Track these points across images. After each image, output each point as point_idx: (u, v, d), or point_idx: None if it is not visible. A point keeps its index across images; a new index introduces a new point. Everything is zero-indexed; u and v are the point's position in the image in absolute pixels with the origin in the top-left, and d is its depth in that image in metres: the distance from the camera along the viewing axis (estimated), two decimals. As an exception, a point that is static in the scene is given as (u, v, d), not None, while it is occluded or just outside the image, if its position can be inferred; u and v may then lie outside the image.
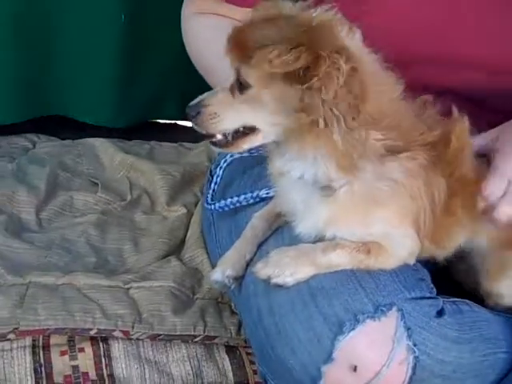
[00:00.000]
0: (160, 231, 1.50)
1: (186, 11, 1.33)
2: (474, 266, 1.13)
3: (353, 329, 0.94)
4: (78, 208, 1.56)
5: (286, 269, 0.98)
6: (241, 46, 0.92)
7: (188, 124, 2.26)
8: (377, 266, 0.99)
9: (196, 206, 1.59)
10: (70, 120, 1.95)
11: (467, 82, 1.20)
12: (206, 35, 1.30)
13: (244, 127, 0.96)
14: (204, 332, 1.27)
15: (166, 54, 1.92)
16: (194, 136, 1.99)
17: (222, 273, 1.10)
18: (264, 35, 0.90)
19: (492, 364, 1.05)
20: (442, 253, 1.06)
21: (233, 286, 1.11)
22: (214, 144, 1.01)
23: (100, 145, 1.78)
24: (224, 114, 0.95)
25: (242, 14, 1.21)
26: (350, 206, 0.98)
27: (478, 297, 1.14)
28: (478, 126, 1.06)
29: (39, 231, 1.48)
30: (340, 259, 0.98)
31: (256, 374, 1.24)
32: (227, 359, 1.26)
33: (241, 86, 0.94)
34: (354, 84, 0.89)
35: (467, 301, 1.09)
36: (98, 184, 1.64)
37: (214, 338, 1.27)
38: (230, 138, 0.97)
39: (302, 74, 0.88)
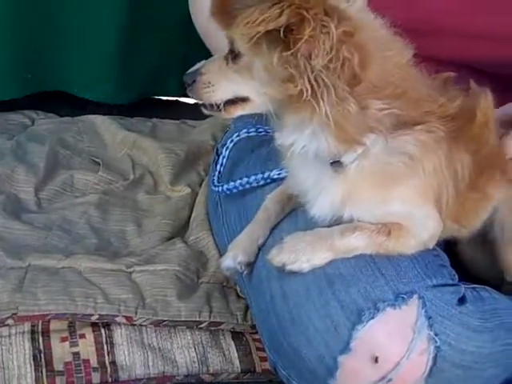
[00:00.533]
0: (163, 212, 1.45)
1: None
2: (493, 240, 1.08)
3: (372, 317, 0.89)
4: (79, 188, 1.50)
5: (302, 255, 0.92)
6: (224, 9, 0.86)
7: (190, 101, 2.23)
8: (397, 249, 0.94)
9: (200, 185, 1.54)
10: (70, 96, 1.90)
11: (479, 53, 1.14)
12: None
13: (236, 97, 0.91)
14: (210, 318, 1.22)
15: (167, 30, 1.88)
16: (196, 113, 1.96)
17: (233, 258, 1.05)
18: None
19: (511, 354, 1.00)
20: (465, 232, 1.01)
21: (245, 272, 1.06)
22: (205, 107, 0.95)
23: (101, 122, 1.73)
24: (218, 84, 0.90)
25: None
26: (365, 184, 0.92)
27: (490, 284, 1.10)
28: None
29: (39, 211, 1.43)
30: (359, 242, 0.92)
31: (263, 361, 1.19)
32: (233, 346, 1.21)
33: (234, 55, 0.89)
34: (348, 50, 0.82)
35: (487, 287, 1.03)
36: (99, 163, 1.58)
37: (220, 323, 1.22)
38: (221, 106, 0.92)
39: (285, 36, 0.81)
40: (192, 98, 0.93)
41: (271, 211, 1.05)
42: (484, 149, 0.95)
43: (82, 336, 1.17)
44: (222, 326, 1.23)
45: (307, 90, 0.84)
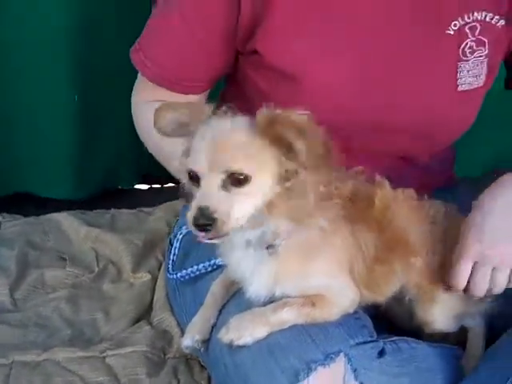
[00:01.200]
0: (128, 298, 1.63)
1: (136, 101, 1.47)
2: (410, 301, 1.29)
3: (307, 376, 1.08)
4: (50, 284, 1.66)
5: (245, 331, 1.12)
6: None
7: (144, 187, 2.40)
8: (323, 317, 1.14)
9: (159, 270, 1.72)
10: (32, 196, 2.07)
11: (396, 144, 1.37)
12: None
13: None
14: (178, 390, 1.39)
15: (117, 127, 2.06)
16: (150, 199, 2.15)
17: (191, 339, 1.23)
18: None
19: (431, 391, 1.20)
20: (380, 298, 1.22)
21: (202, 349, 1.24)
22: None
23: (64, 219, 1.89)
24: (234, 213, 1.03)
25: (187, 98, 1.38)
26: (289, 260, 1.12)
27: (416, 333, 1.30)
28: (409, 182, 1.24)
29: (15, 310, 1.58)
30: (289, 316, 1.12)
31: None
32: (202, 413, 1.39)
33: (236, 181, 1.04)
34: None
35: (406, 338, 1.24)
36: (65, 258, 1.75)
37: (188, 394, 1.40)
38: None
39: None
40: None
41: (217, 295, 1.25)
42: (387, 230, 1.16)
43: (67, 420, 1.33)
44: (189, 396, 1.40)
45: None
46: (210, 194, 1.03)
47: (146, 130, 1.44)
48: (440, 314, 1.28)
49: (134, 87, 1.47)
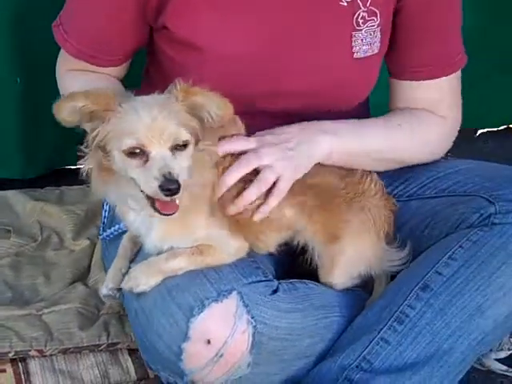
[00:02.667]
0: (67, 263, 1.75)
1: (60, 68, 1.57)
2: (312, 261, 1.40)
3: (201, 311, 1.20)
4: (-6, 254, 1.78)
5: (141, 279, 1.25)
6: None
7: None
8: (216, 262, 1.26)
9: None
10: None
11: (296, 106, 1.48)
12: (78, 85, 1.48)
13: None
14: (107, 340, 1.51)
15: None
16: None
17: (106, 287, 1.36)
18: None
19: (326, 326, 1.33)
20: (266, 245, 1.34)
21: (117, 296, 1.36)
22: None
23: (12, 196, 2.00)
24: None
25: (107, 70, 1.48)
26: (172, 221, 1.22)
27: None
28: None
29: (-40, 277, 1.70)
30: (181, 263, 1.26)
31: (155, 369, 1.49)
32: (130, 360, 1.51)
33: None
34: None
35: (306, 280, 1.36)
36: (10, 230, 1.86)
37: (117, 343, 1.52)
38: None
39: None
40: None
41: (127, 247, 1.39)
42: None
43: (3, 370, 1.46)
44: (119, 346, 1.52)
45: None
46: (167, 160, 1.15)
47: None
48: (340, 276, 1.39)
49: (58, 60, 1.58)
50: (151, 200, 1.17)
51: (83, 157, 1.24)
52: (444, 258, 1.34)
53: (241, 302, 1.23)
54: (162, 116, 1.16)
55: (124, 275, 1.32)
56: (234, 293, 1.23)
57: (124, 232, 1.47)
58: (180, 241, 1.26)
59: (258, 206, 1.28)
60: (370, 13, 1.43)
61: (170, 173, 1.13)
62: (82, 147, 1.23)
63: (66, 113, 1.19)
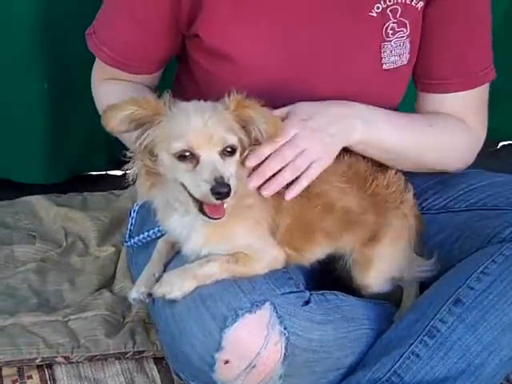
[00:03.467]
0: (93, 269, 1.75)
1: (95, 77, 1.58)
2: (347, 265, 1.41)
3: (235, 321, 1.20)
4: (20, 259, 1.78)
5: (175, 285, 1.24)
6: None
7: (117, 173, 2.50)
8: (249, 272, 1.26)
9: (123, 244, 1.83)
10: (7, 181, 2.16)
11: None
12: (112, 97, 1.54)
13: None
14: (133, 348, 1.51)
15: (87, 113, 2.14)
16: (121, 183, 2.24)
17: (137, 291, 1.35)
18: None
19: (357, 338, 1.32)
20: (308, 258, 1.33)
21: (147, 301, 1.35)
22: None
23: (36, 201, 2.01)
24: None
25: (139, 78, 1.49)
26: (217, 225, 1.22)
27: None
28: None
29: (-14, 284, 1.70)
30: (213, 269, 1.25)
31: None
32: (155, 369, 1.50)
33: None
34: None
35: (336, 292, 1.35)
36: (35, 236, 1.86)
37: (143, 351, 1.51)
38: None
39: None
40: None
41: (162, 252, 1.38)
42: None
43: (30, 377, 1.46)
44: (144, 354, 1.52)
45: None
46: (217, 164, 1.17)
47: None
48: (375, 278, 1.40)
49: (93, 69, 1.58)
50: (199, 204, 1.17)
51: (129, 162, 1.24)
52: (476, 272, 1.33)
53: (274, 312, 1.22)
54: (212, 121, 1.17)
55: (157, 280, 1.32)
56: (268, 303, 1.22)
57: (153, 240, 1.47)
58: (219, 247, 1.26)
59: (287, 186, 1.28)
60: (399, 24, 1.43)
61: (221, 176, 1.14)
62: (127, 152, 1.24)
63: (115, 122, 1.20)
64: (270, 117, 1.23)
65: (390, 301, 1.47)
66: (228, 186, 1.13)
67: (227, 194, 1.13)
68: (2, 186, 2.16)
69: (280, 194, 1.27)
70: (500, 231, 1.39)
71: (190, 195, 1.18)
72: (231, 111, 1.20)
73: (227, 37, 1.39)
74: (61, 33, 2.03)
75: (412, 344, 1.29)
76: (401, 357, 1.28)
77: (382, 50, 1.43)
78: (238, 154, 1.20)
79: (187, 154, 1.16)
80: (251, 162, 1.25)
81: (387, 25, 1.42)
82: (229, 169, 1.17)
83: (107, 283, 1.72)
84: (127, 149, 1.51)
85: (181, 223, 1.27)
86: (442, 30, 1.47)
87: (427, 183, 1.57)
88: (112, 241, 1.85)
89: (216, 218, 1.17)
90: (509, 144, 2.65)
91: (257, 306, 1.21)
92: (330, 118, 1.34)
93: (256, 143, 1.25)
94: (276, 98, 1.38)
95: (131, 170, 1.23)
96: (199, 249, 1.26)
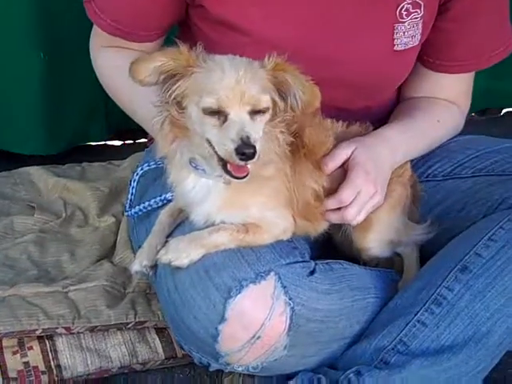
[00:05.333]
0: (93, 240, 1.72)
1: (94, 44, 1.53)
2: (347, 230, 1.39)
3: (239, 293, 1.17)
4: (19, 230, 1.76)
5: (182, 253, 1.21)
6: None
7: (116, 143, 2.47)
8: (255, 242, 1.23)
9: (123, 214, 1.80)
10: (6, 153, 2.14)
11: (337, 97, 1.41)
12: (115, 64, 1.47)
13: None
14: (135, 318, 1.49)
15: (86, 82, 2.10)
16: (122, 153, 2.21)
17: (139, 264, 1.32)
18: None
19: (362, 307, 1.30)
20: (316, 229, 1.31)
21: (150, 273, 1.33)
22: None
23: (34, 172, 1.98)
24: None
25: (142, 46, 1.45)
26: (235, 192, 1.20)
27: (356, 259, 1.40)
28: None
29: (-15, 254, 1.68)
30: (223, 238, 1.21)
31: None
32: (157, 339, 1.48)
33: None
34: None
35: (341, 261, 1.33)
36: (34, 207, 1.84)
37: (145, 322, 1.49)
38: None
39: None
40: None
41: (165, 223, 1.34)
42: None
43: (30, 348, 1.44)
44: (146, 324, 1.50)
45: None
46: (245, 124, 1.12)
47: (108, 74, 1.51)
48: (374, 241, 1.38)
49: (91, 37, 1.54)
50: (223, 162, 1.14)
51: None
52: (484, 239, 1.30)
53: (279, 283, 1.20)
54: (246, 79, 1.13)
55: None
56: (272, 274, 1.20)
57: (154, 209, 1.44)
58: (233, 216, 1.22)
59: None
60: (414, 5, 1.39)
61: (247, 137, 1.10)
62: (156, 101, 1.19)
63: (144, 74, 1.15)
64: (308, 85, 1.17)
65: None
66: (254, 147, 1.09)
67: (252, 155, 1.09)
68: (1, 157, 2.14)
69: (297, 167, 1.24)
70: (508, 197, 1.37)
71: (215, 152, 1.14)
72: (268, 71, 1.15)
73: (235, 7, 1.35)
74: (56, 2, 1.99)
75: (418, 312, 1.27)
76: (407, 325, 1.27)
77: (395, 32, 1.40)
78: (267, 114, 1.15)
79: (216, 109, 1.12)
80: (331, 205, 1.28)
81: (402, 6, 1.39)
82: (257, 129, 1.13)
83: (107, 254, 1.69)
84: (127, 119, 1.48)
85: (198, 184, 1.22)
86: (467, 17, 1.45)
87: (432, 150, 1.54)
88: (112, 211, 1.82)
89: (240, 178, 1.13)
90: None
91: (261, 276, 1.19)
92: (384, 175, 1.36)
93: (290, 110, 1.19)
94: None
95: (156, 120, 1.18)
96: (212, 215, 1.22)
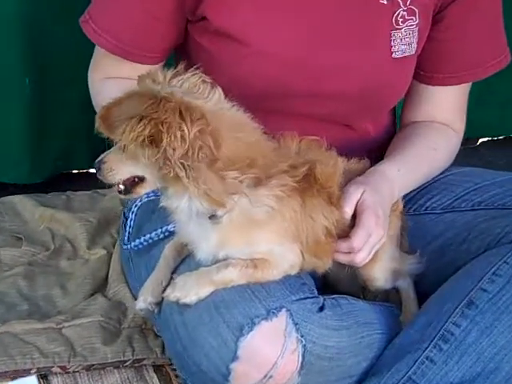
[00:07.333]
0: (84, 273, 1.68)
1: (93, 76, 1.50)
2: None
3: (251, 330, 1.15)
4: (6, 263, 1.70)
5: (191, 290, 1.18)
6: (106, 122, 1.15)
7: (100, 171, 2.42)
8: (264, 278, 1.20)
9: (114, 246, 1.77)
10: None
11: (337, 110, 1.45)
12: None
13: (136, 177, 1.18)
14: (132, 356, 1.45)
15: (70, 110, 2.09)
16: (103, 181, 2.18)
17: (144, 301, 1.28)
18: (122, 112, 1.12)
19: (369, 344, 1.28)
20: (323, 265, 1.30)
21: (156, 311, 1.29)
22: (120, 192, 1.21)
23: (19, 201, 1.93)
24: (117, 168, 1.17)
25: (142, 70, 1.42)
26: (235, 231, 1.19)
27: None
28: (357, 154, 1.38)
29: (-28, 289, 1.62)
30: (232, 275, 1.19)
31: (182, 386, 1.43)
32: (155, 377, 1.44)
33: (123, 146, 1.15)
34: (203, 140, 1.10)
35: (346, 296, 1.32)
36: (21, 238, 1.78)
37: (142, 359, 1.45)
38: (128, 186, 1.19)
39: (150, 141, 1.09)
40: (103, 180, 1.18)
41: (169, 258, 1.31)
42: (334, 195, 1.25)
43: (25, 388, 1.38)
44: (144, 362, 1.46)
45: (171, 172, 1.11)
46: (110, 152, 1.17)
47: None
48: (380, 270, 1.37)
49: (91, 62, 1.50)
50: None
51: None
52: (488, 273, 1.30)
53: (290, 319, 1.17)
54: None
55: (164, 288, 1.25)
56: (284, 310, 1.18)
57: (155, 242, 1.41)
58: (237, 253, 1.20)
59: None
60: (409, 12, 1.41)
61: (102, 158, 1.16)
62: None
63: None
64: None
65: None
66: (98, 167, 1.17)
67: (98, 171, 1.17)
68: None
69: (309, 203, 1.22)
70: (509, 231, 1.37)
71: None
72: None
73: (236, 17, 1.35)
74: (42, 28, 1.96)
75: (426, 348, 1.26)
76: (415, 362, 1.25)
77: (392, 39, 1.40)
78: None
79: None
80: (342, 248, 1.27)
81: (397, 12, 1.40)
82: (118, 159, 1.16)
83: (100, 287, 1.65)
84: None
85: (189, 225, 1.21)
86: (461, 25, 1.46)
87: (430, 183, 1.55)
88: (102, 243, 1.78)
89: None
90: (488, 140, 2.66)
91: (273, 313, 1.16)
92: (388, 214, 1.35)
93: None
94: (280, 88, 1.37)
95: None
96: (218, 250, 1.20)
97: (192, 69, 1.19)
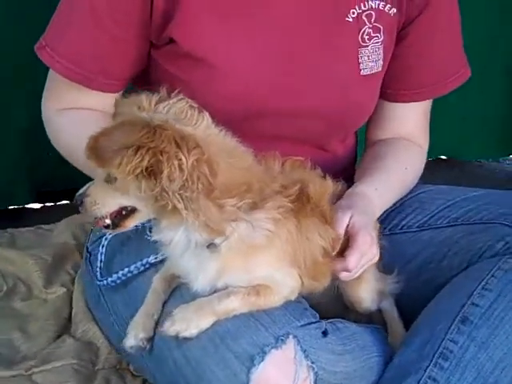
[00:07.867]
0: (45, 314, 1.56)
1: (49, 106, 1.41)
2: (341, 283, 1.34)
3: (262, 360, 1.09)
4: (-45, 308, 1.56)
5: (191, 322, 1.11)
6: (97, 154, 1.07)
7: (37, 206, 2.32)
8: (266, 304, 1.16)
9: (73, 283, 1.65)
10: None
11: (306, 130, 1.43)
12: (71, 132, 1.38)
13: (125, 209, 1.11)
14: (112, 400, 1.35)
15: (9, 144, 2.00)
16: (42, 217, 2.07)
17: (134, 337, 1.20)
18: (113, 142, 1.05)
19: (370, 367, 1.25)
20: (320, 287, 1.26)
21: (147, 347, 1.21)
22: (107, 227, 1.12)
23: (-40, 243, 1.79)
24: (102, 201, 1.10)
25: (103, 100, 1.35)
26: (233, 257, 1.14)
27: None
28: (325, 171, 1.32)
29: None
30: (234, 304, 1.13)
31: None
32: (139, 421, 1.35)
33: (111, 178, 1.08)
34: (200, 169, 1.04)
35: (340, 319, 1.28)
36: (-32, 281, 1.64)
37: (123, 403, 1.35)
38: (116, 219, 1.12)
39: (148, 172, 1.03)
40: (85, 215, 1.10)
41: (159, 290, 1.23)
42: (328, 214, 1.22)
43: None
44: (125, 405, 1.36)
45: (169, 204, 1.05)
46: (93, 184, 1.12)
47: (66, 142, 1.40)
48: (367, 291, 1.35)
49: (45, 90, 1.42)
50: None
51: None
52: (478, 288, 1.30)
53: (298, 346, 1.12)
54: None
55: (157, 322, 1.17)
56: (291, 337, 1.13)
57: (134, 276, 1.33)
58: (237, 281, 1.14)
59: None
60: (374, 29, 1.43)
61: (84, 191, 1.12)
62: None
63: None
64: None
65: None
66: (81, 201, 1.12)
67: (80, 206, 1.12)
68: None
69: (303, 223, 1.18)
70: (492, 245, 1.38)
71: None
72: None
73: (204, 38, 1.31)
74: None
75: (427, 368, 1.24)
76: (418, 382, 1.23)
77: (360, 56, 1.42)
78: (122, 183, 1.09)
79: None
80: (337, 270, 1.25)
81: (363, 30, 1.41)
82: (103, 192, 1.11)
83: (64, 328, 1.54)
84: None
85: (185, 256, 1.14)
86: (423, 42, 1.49)
87: (401, 202, 1.55)
88: (59, 281, 1.67)
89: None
90: (442, 159, 2.75)
91: (281, 340, 1.11)
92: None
93: None
94: (254, 107, 1.35)
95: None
96: (213, 284, 1.14)
97: (174, 93, 1.13)
